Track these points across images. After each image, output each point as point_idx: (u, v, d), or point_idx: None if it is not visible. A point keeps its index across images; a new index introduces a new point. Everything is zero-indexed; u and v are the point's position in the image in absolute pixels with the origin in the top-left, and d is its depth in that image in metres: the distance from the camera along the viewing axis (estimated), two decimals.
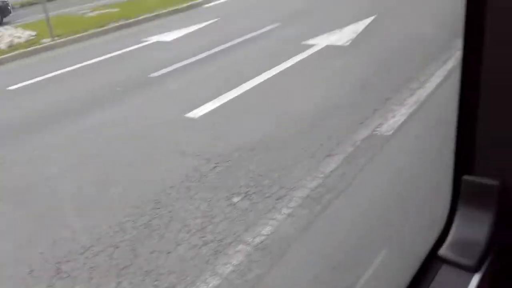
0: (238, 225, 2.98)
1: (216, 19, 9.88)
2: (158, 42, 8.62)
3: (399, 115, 4.10)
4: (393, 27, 6.96)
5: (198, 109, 4.93)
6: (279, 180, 3.41)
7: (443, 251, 0.77)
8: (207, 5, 12.04)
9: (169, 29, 9.41)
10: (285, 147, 3.91)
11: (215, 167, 3.71)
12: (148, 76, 6.46)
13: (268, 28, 8.24)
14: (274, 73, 5.75)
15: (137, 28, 10.41)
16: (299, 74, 5.81)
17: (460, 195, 0.79)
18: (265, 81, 5.56)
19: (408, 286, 0.75)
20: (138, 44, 8.64)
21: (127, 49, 8.36)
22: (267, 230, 2.89)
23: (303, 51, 6.40)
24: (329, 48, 6.40)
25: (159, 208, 3.28)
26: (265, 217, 3.02)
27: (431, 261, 0.76)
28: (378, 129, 3.93)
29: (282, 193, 3.24)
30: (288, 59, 6.17)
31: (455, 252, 0.76)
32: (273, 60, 6.17)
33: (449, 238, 0.78)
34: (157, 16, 11.13)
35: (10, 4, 14.14)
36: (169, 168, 3.84)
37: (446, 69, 4.86)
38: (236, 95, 5.22)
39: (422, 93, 4.47)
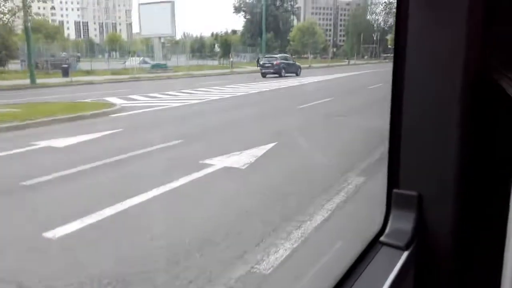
0: None
1: (119, 129, 9.55)
2: (48, 147, 7.94)
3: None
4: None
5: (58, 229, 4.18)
6: None
7: (382, 238, 1.17)
8: (114, 115, 11.76)
9: (65, 134, 8.85)
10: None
11: None
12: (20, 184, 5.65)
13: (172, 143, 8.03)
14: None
15: (33, 130, 9.69)
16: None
17: (392, 203, 1.21)
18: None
19: (353, 263, 1.09)
20: (26, 147, 7.88)
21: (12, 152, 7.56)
22: None
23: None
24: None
25: None
26: None
27: (374, 245, 1.16)
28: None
29: None
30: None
31: (390, 238, 1.16)
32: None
33: (387, 230, 1.19)
34: (58, 121, 10.56)
35: None
36: None
37: (335, 202, 4.73)
38: (113, 212, 4.60)
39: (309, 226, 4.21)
